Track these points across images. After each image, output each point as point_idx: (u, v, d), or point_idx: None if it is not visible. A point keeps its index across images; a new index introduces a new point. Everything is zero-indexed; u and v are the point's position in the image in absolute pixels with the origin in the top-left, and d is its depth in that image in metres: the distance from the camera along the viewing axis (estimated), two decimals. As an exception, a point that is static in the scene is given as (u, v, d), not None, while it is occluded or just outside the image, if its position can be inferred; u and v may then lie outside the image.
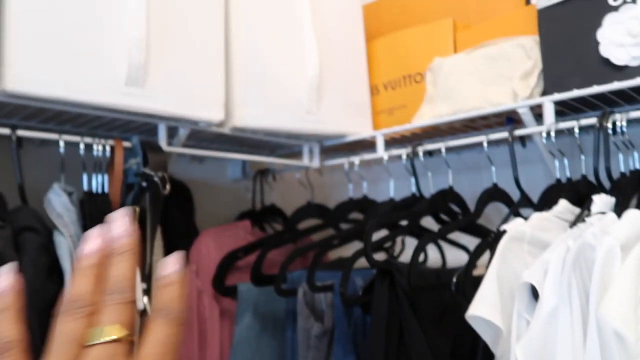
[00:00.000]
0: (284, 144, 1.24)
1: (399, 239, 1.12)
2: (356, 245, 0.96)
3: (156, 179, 0.91)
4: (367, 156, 1.12)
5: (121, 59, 0.87)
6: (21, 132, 0.83)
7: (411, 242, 1.01)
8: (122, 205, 0.91)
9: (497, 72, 0.98)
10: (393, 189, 1.08)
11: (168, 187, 0.92)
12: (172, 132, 1.02)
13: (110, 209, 0.88)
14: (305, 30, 1.13)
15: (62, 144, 0.87)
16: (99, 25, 0.85)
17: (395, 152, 1.07)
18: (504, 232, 0.71)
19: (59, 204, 0.82)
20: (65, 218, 0.81)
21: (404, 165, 1.05)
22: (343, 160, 1.16)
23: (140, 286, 0.89)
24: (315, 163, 1.22)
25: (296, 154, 1.28)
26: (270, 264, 1.05)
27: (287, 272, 1.00)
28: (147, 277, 0.92)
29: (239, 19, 1.05)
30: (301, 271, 1.00)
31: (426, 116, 1.06)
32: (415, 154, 1.02)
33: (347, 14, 1.23)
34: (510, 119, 1.01)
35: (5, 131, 0.82)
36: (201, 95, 0.97)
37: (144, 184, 0.91)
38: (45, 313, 0.73)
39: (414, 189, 1.05)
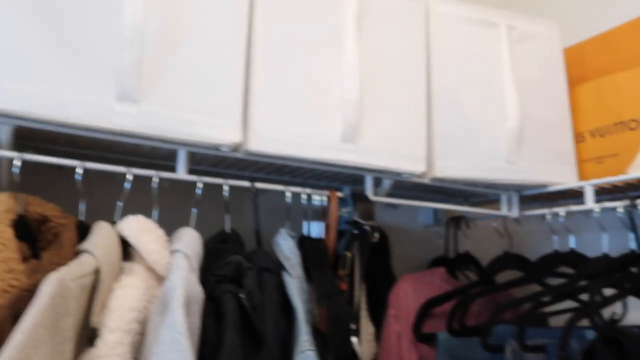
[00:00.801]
0: (480, 193, 1.24)
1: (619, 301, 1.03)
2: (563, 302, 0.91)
3: (366, 227, 0.98)
4: (575, 207, 1.07)
5: (337, 118, 0.98)
6: (258, 185, 0.97)
7: (635, 305, 0.93)
8: (335, 250, 1.00)
9: None
10: (606, 244, 1.01)
11: (377, 235, 0.99)
12: (376, 182, 1.10)
13: (326, 253, 0.97)
14: (505, 80, 1.14)
15: (289, 194, 0.98)
16: (321, 91, 0.97)
17: (608, 204, 1.01)
18: None
19: (287, 248, 0.93)
20: (292, 260, 0.91)
21: (617, 218, 0.98)
22: (545, 211, 1.12)
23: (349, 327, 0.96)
24: (514, 213, 1.20)
25: (491, 201, 1.27)
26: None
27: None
28: (355, 319, 0.98)
29: (440, 75, 1.10)
30: (505, 325, 0.98)
31: (645, 166, 0.99)
32: (634, 206, 0.95)
33: (548, 60, 1.20)
34: None
35: (246, 184, 0.97)
36: (405, 148, 1.04)
37: (355, 231, 0.99)
38: (280, 345, 0.83)
39: (631, 244, 0.97)
